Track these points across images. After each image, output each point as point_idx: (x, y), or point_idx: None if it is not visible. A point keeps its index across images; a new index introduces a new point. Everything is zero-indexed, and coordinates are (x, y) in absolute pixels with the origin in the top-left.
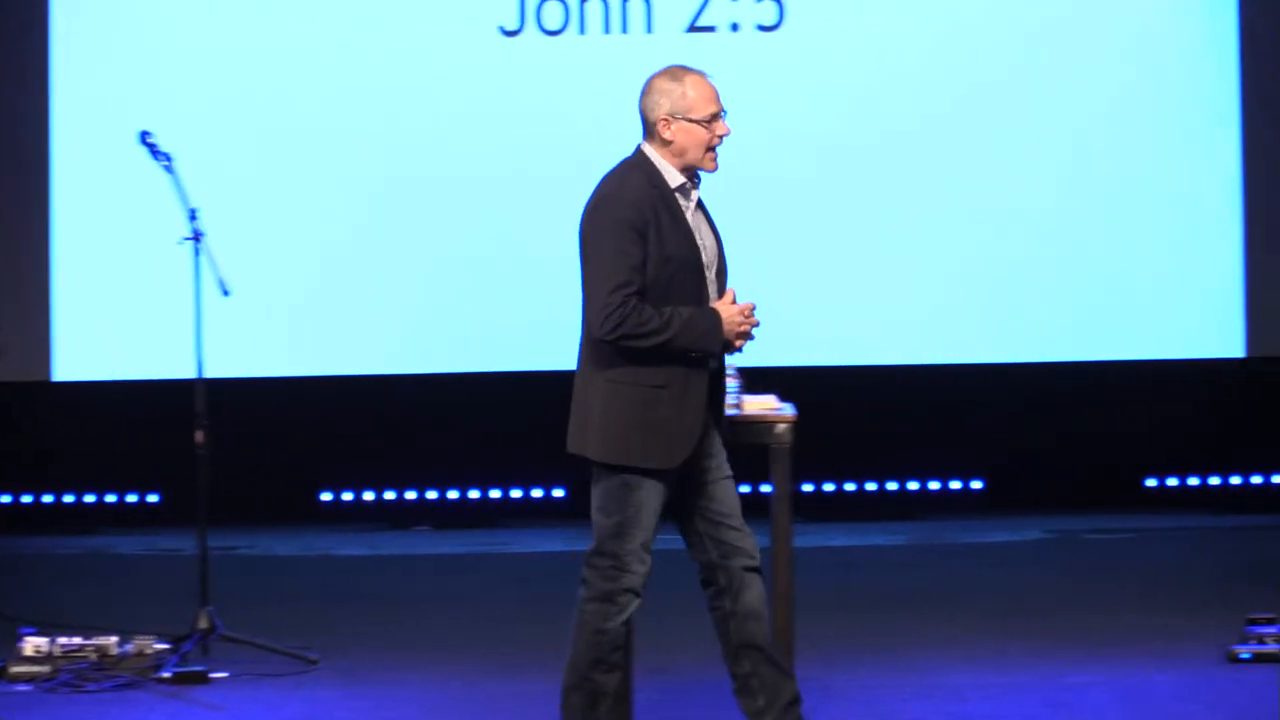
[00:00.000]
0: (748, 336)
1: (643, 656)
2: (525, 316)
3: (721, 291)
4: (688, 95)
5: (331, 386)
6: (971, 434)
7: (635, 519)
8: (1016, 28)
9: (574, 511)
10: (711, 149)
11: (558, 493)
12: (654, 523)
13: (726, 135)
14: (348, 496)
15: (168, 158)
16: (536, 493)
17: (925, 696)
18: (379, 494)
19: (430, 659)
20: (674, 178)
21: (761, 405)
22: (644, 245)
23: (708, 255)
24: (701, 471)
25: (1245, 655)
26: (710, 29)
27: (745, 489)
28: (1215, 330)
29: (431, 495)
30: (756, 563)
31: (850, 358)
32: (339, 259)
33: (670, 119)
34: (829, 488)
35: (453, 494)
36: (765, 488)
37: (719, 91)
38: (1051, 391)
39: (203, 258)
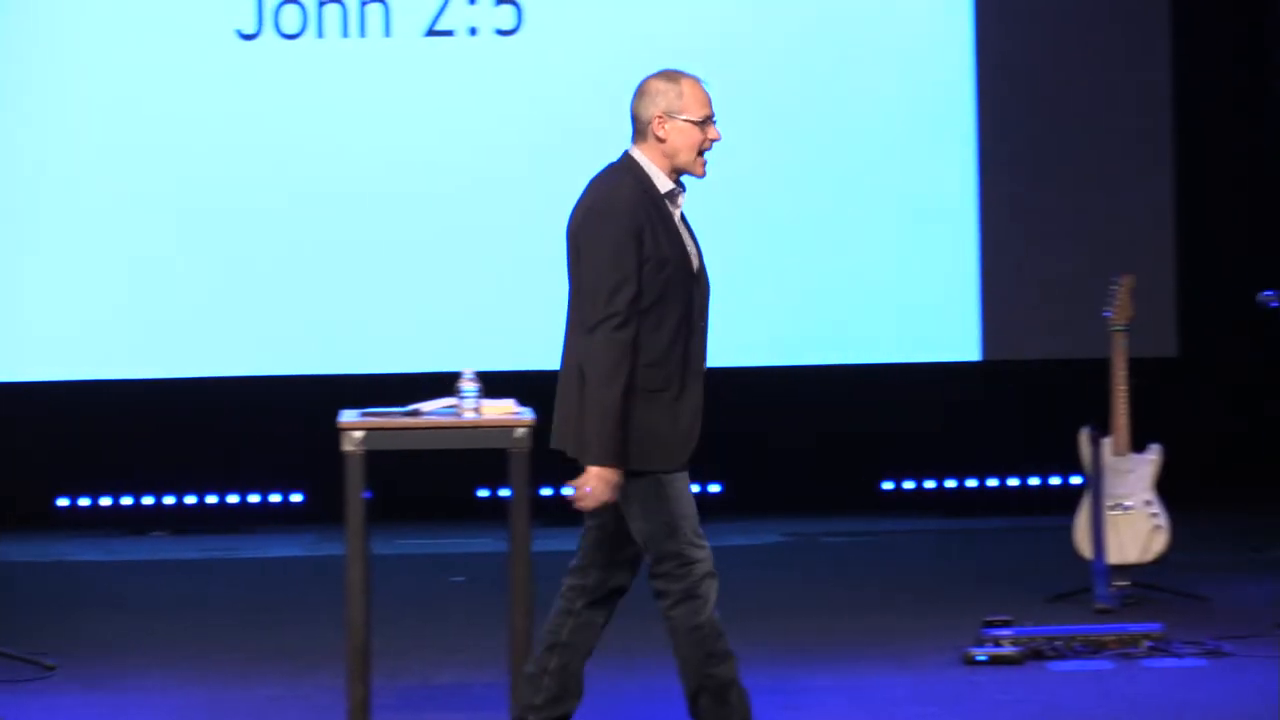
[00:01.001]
0: (584, 494)
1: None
2: (261, 319)
3: (704, 299)
4: (684, 95)
5: (64, 391)
6: (710, 436)
7: (679, 512)
8: (755, 34)
9: (313, 515)
10: (702, 153)
11: (296, 498)
12: (694, 507)
13: (718, 140)
14: (84, 502)
15: None
16: (275, 497)
17: (662, 700)
18: (116, 499)
19: (170, 664)
20: (663, 183)
21: (500, 409)
22: (641, 250)
23: (696, 261)
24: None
25: (981, 657)
26: (449, 33)
27: (484, 493)
28: (953, 334)
29: (169, 500)
30: (625, 591)
31: None
32: (78, 263)
33: (665, 117)
34: (569, 491)
35: (190, 499)
36: (505, 491)
37: (712, 98)
38: (790, 394)
39: None
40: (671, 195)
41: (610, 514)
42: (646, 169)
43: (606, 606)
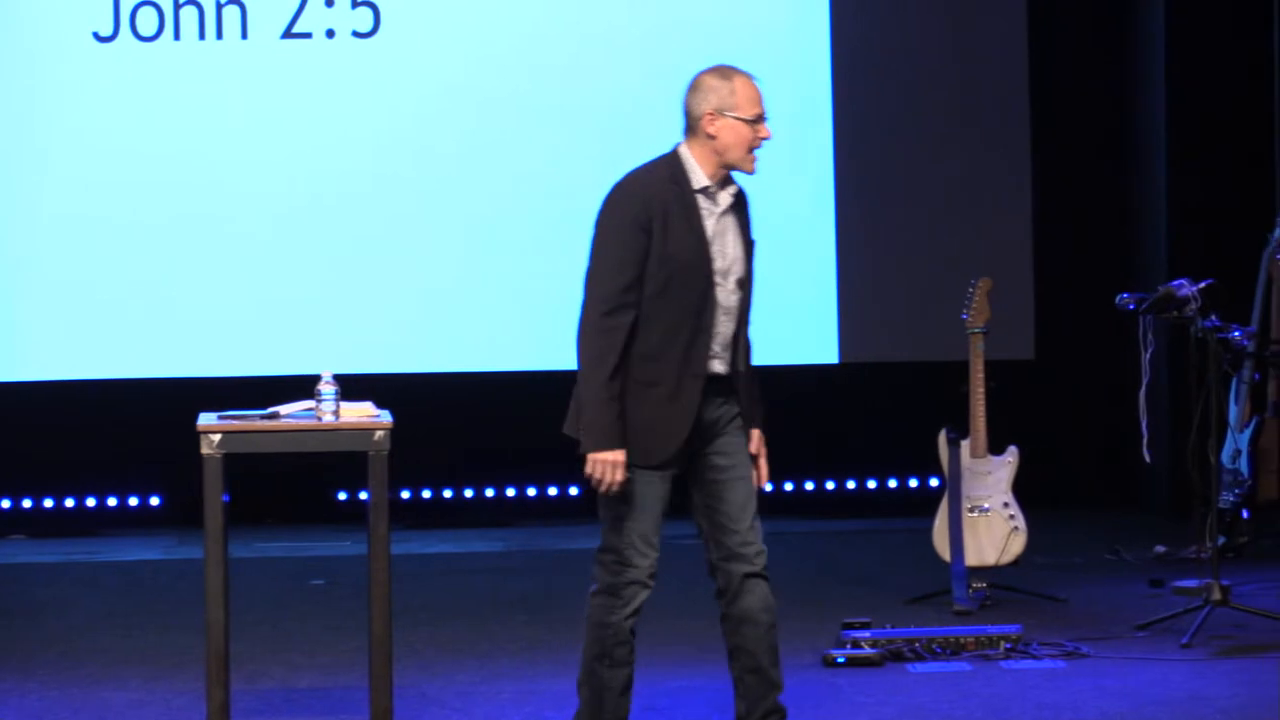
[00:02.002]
0: (595, 480)
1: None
2: (118, 322)
3: (744, 303)
4: (736, 93)
5: None
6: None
7: (630, 512)
8: (611, 33)
9: (172, 518)
10: (752, 150)
11: (154, 500)
12: (653, 514)
13: (768, 139)
14: None
15: None
16: (133, 500)
17: (522, 703)
18: None
19: (28, 668)
20: (699, 179)
21: (358, 412)
22: (648, 241)
23: (723, 262)
24: (711, 469)
25: (841, 659)
26: (307, 35)
27: (343, 495)
28: (811, 337)
29: (27, 504)
30: (756, 569)
31: (447, 364)
32: None
33: (716, 114)
34: (427, 494)
35: (48, 502)
36: (364, 494)
37: (764, 95)
38: None
39: None
40: (708, 192)
41: (698, 514)
42: (686, 163)
43: (750, 592)
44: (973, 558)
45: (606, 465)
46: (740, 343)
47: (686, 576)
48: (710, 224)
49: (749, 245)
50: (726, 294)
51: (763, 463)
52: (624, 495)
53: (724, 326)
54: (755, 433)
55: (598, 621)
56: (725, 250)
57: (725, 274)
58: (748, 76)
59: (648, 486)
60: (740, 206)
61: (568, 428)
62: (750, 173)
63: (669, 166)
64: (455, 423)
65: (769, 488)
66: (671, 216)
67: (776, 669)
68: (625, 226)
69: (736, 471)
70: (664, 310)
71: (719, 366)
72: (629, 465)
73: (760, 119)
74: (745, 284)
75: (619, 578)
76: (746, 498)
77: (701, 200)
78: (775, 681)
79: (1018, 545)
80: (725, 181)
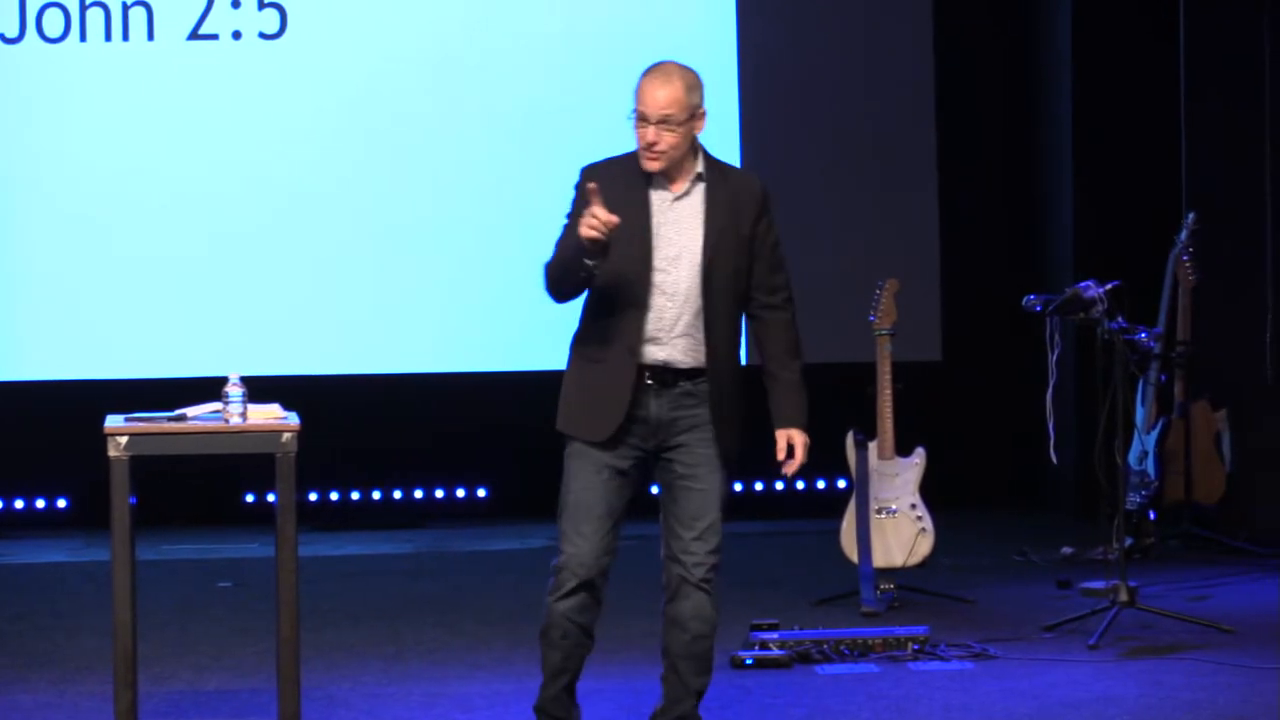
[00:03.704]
0: (592, 232)
1: None
2: (24, 323)
3: (712, 292)
4: (637, 93)
5: None
6: (477, 439)
7: (566, 496)
8: (520, 36)
9: (79, 520)
10: (645, 148)
11: (61, 503)
12: (587, 505)
13: (647, 141)
14: None
15: None
16: (40, 502)
17: (431, 705)
18: None
19: None
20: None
21: (266, 414)
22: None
23: (671, 248)
24: (671, 473)
25: (749, 660)
26: (213, 37)
27: (251, 497)
28: None
29: None
30: (693, 579)
31: (354, 366)
32: None
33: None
34: (334, 496)
35: None
36: (271, 496)
37: (667, 98)
38: (555, 398)
39: None
40: (658, 181)
41: (660, 509)
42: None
43: (685, 598)
44: (880, 559)
45: (584, 222)
46: (720, 337)
47: None
48: (657, 210)
49: (739, 237)
50: (669, 279)
51: (790, 466)
52: (569, 473)
53: (666, 310)
54: (781, 435)
55: (547, 596)
56: (673, 236)
57: (674, 259)
58: (650, 75)
59: (589, 471)
60: (717, 198)
61: (561, 425)
62: (648, 170)
63: (635, 157)
64: (363, 424)
65: None
66: (617, 198)
67: (698, 678)
68: (574, 200)
69: (695, 483)
70: (606, 289)
71: (661, 354)
72: (569, 439)
73: (643, 118)
74: (710, 272)
75: (555, 560)
76: (700, 508)
77: (652, 188)
78: (691, 689)
79: (925, 546)
80: (696, 175)
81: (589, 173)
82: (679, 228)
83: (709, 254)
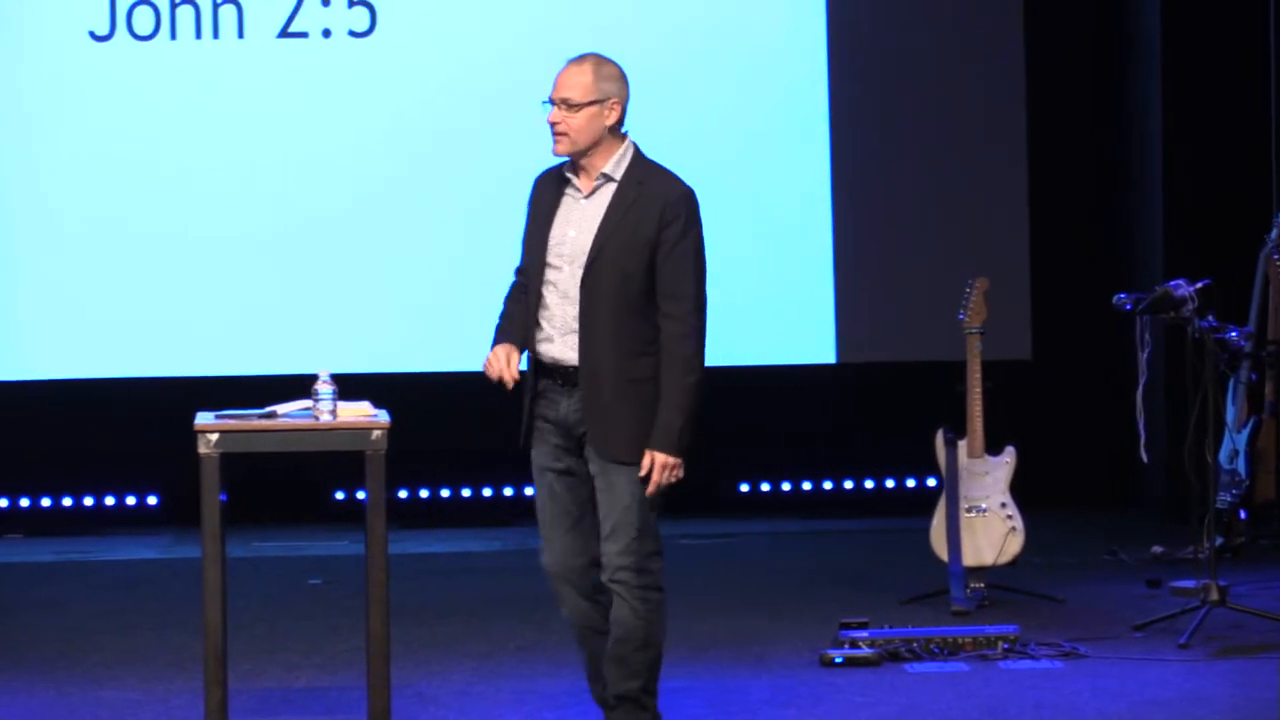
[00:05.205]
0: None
1: None
2: (116, 321)
3: (586, 292)
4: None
5: None
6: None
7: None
8: (605, 34)
9: (169, 518)
10: (551, 128)
11: (151, 500)
12: (543, 506)
13: (549, 121)
14: None
15: None
16: (131, 500)
17: (520, 703)
18: None
19: (24, 667)
20: (572, 166)
21: (356, 412)
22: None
23: (568, 247)
24: (592, 476)
25: (839, 659)
26: (303, 35)
27: (341, 495)
28: (808, 337)
29: (24, 502)
30: (606, 578)
31: (445, 364)
32: None
33: None
34: (424, 494)
35: (46, 501)
36: (361, 494)
37: (571, 80)
38: None
39: None
40: (575, 180)
41: None
42: None
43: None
44: (970, 558)
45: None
46: (599, 339)
47: (682, 577)
48: (564, 208)
49: (638, 241)
50: (561, 276)
51: (649, 488)
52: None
53: (559, 309)
54: (645, 454)
55: None
56: (571, 235)
57: (571, 259)
58: (569, 60)
59: (535, 473)
60: (624, 200)
61: None
62: (554, 153)
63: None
64: (453, 422)
65: (765, 487)
66: (538, 204)
67: (622, 683)
68: (528, 207)
69: (600, 482)
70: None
71: (553, 351)
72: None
73: (546, 102)
74: (592, 273)
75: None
76: (607, 508)
77: (569, 186)
78: (611, 691)
79: (1015, 545)
80: (578, 169)
81: (538, 181)
82: (580, 226)
83: (593, 254)
